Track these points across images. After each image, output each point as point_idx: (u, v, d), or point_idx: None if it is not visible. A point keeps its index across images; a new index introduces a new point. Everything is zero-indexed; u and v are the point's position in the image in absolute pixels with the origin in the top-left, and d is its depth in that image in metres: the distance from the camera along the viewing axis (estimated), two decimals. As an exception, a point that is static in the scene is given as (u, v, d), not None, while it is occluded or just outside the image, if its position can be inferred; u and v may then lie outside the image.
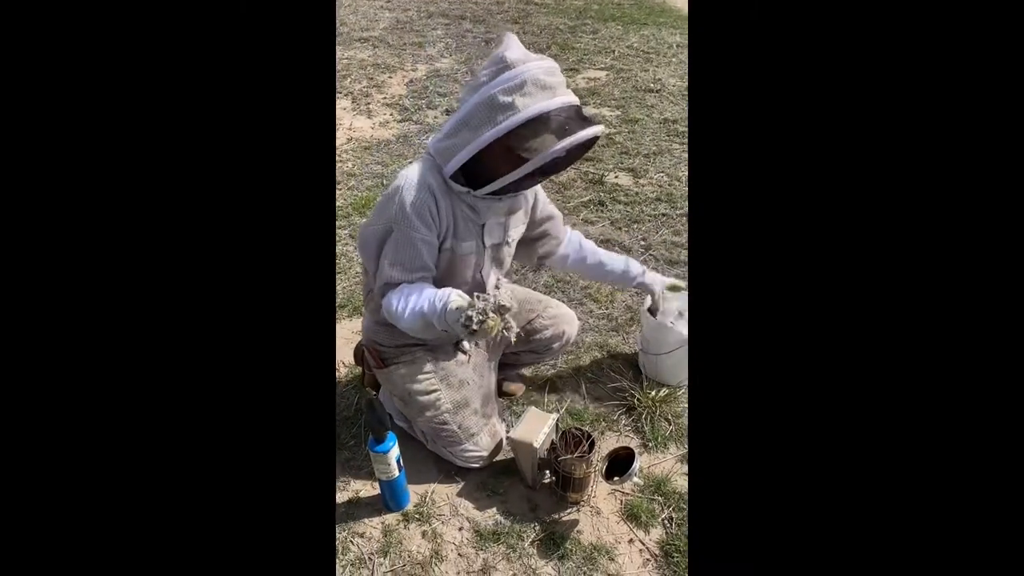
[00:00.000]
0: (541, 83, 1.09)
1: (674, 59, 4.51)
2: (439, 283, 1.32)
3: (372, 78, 4.12)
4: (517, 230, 1.42)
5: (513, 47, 1.13)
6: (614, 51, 4.69)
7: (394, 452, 1.29)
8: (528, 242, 1.51)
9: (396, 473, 1.31)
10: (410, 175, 1.23)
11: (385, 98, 3.86)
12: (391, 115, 3.63)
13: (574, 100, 1.13)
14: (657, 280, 1.61)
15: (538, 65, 1.11)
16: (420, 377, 1.41)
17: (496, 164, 1.14)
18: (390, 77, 4.20)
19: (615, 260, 1.61)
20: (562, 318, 1.58)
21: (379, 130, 3.43)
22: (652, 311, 1.64)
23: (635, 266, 1.60)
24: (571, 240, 1.59)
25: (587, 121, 1.13)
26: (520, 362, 1.63)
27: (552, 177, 2.96)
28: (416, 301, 1.20)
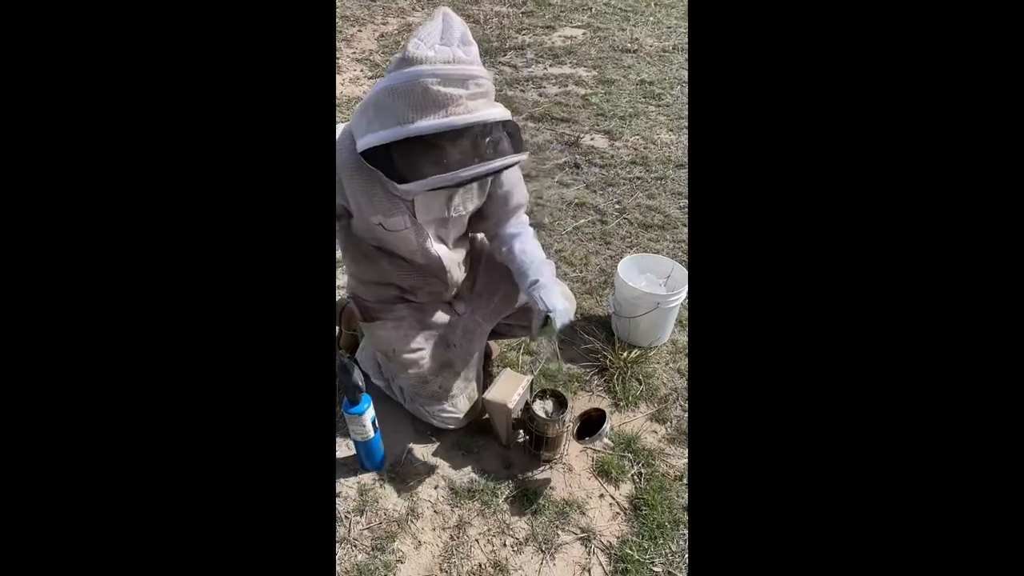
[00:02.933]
0: (451, 76, 0.96)
1: (651, 18, 4.44)
2: (383, 254, 1.29)
3: (341, 31, 3.96)
4: (468, 204, 1.27)
5: (426, 35, 0.98)
6: (591, 8, 4.58)
7: (369, 414, 1.29)
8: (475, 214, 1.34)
9: (371, 434, 1.33)
10: (338, 142, 1.14)
11: (355, 53, 3.72)
12: (361, 71, 3.51)
13: (470, 119, 0.98)
14: (543, 303, 1.26)
15: (442, 69, 0.96)
16: (406, 335, 1.40)
17: (409, 164, 1.01)
18: (359, 31, 4.05)
19: (525, 260, 1.33)
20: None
21: (349, 87, 3.32)
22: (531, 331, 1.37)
23: (536, 274, 1.30)
24: (511, 235, 1.37)
25: (489, 145, 1.00)
26: (511, 333, 1.63)
27: (528, 139, 2.91)
28: None
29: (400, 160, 1.00)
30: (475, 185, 1.25)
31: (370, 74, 3.46)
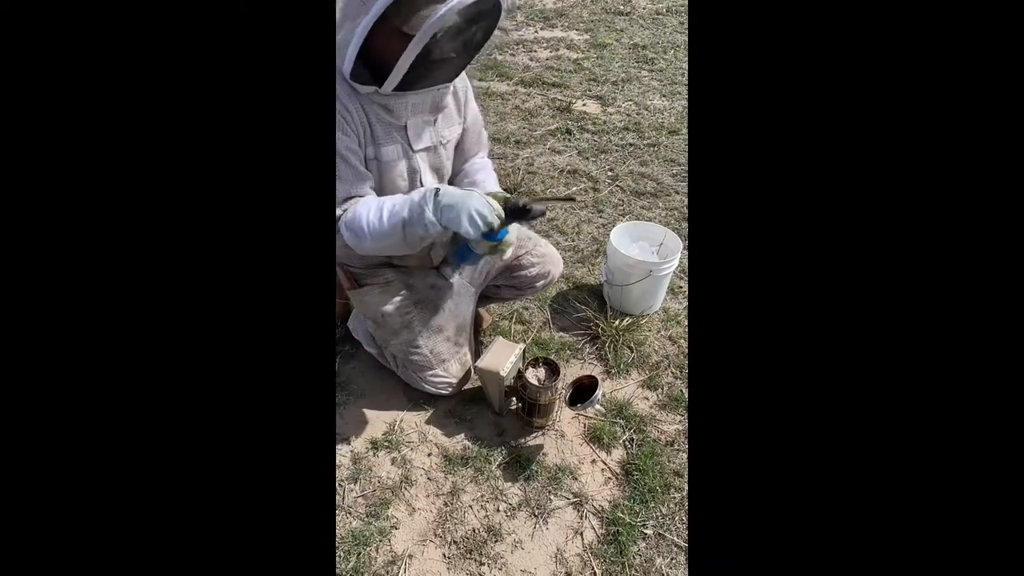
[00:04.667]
0: None
1: (645, -21, 4.32)
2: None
3: None
4: (451, 130, 1.31)
5: None
6: (583, -31, 4.45)
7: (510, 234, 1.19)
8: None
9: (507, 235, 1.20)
10: None
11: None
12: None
13: None
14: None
15: None
16: (395, 299, 1.39)
17: (388, 50, 1.03)
18: None
19: (470, 168, 1.41)
20: (549, 258, 1.54)
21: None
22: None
23: (475, 175, 1.39)
24: (473, 165, 1.43)
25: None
26: (499, 296, 1.62)
27: (518, 104, 2.85)
28: (391, 207, 1.10)
29: (391, 40, 1.01)
30: (452, 110, 1.29)
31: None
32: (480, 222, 1.06)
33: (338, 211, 1.16)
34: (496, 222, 1.07)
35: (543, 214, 1.12)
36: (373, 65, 1.08)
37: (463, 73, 1.26)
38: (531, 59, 3.23)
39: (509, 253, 1.21)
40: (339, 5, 1.02)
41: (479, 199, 1.07)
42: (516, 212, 1.11)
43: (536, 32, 3.50)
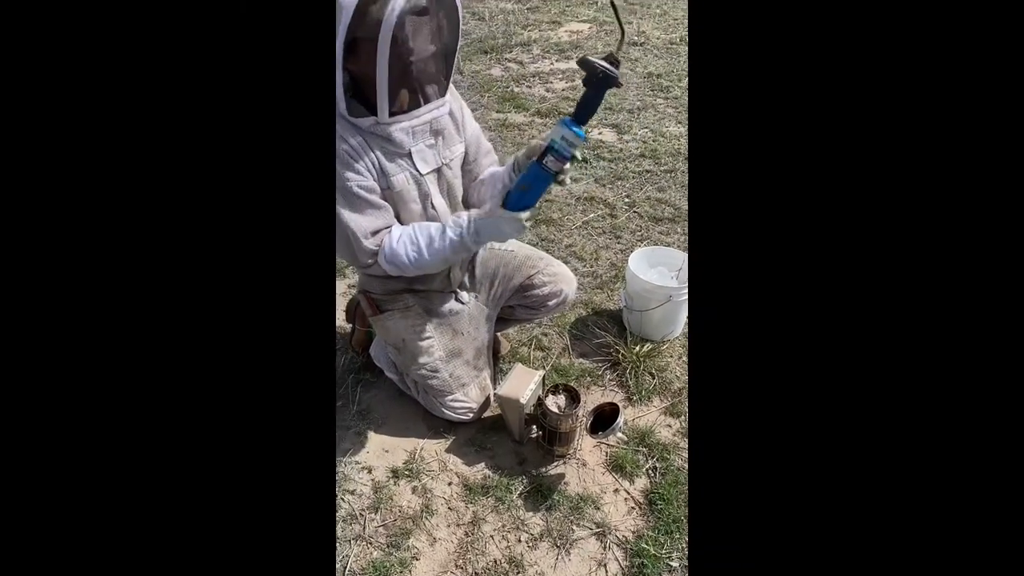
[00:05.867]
0: None
1: (658, 11, 4.40)
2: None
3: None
4: (454, 149, 1.33)
5: None
6: (597, 3, 4.56)
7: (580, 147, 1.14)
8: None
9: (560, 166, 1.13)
10: None
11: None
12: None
13: None
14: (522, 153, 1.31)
15: None
16: (414, 324, 1.41)
17: (368, 69, 1.08)
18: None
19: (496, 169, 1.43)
20: (561, 277, 1.54)
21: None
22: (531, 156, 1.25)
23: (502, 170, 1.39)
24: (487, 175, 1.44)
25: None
26: (514, 317, 1.62)
27: (535, 135, 2.90)
28: (427, 241, 1.21)
29: (366, 58, 1.06)
30: (452, 130, 1.31)
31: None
32: (519, 231, 1.16)
33: (371, 245, 1.23)
34: (571, 155, 1.10)
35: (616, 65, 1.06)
36: (362, 96, 1.14)
37: (457, 94, 1.31)
38: (547, 90, 3.29)
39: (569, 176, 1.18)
40: None
41: (509, 225, 1.15)
42: (614, 62, 1.05)
43: (552, 64, 3.58)
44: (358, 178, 1.18)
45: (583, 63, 1.06)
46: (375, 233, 1.23)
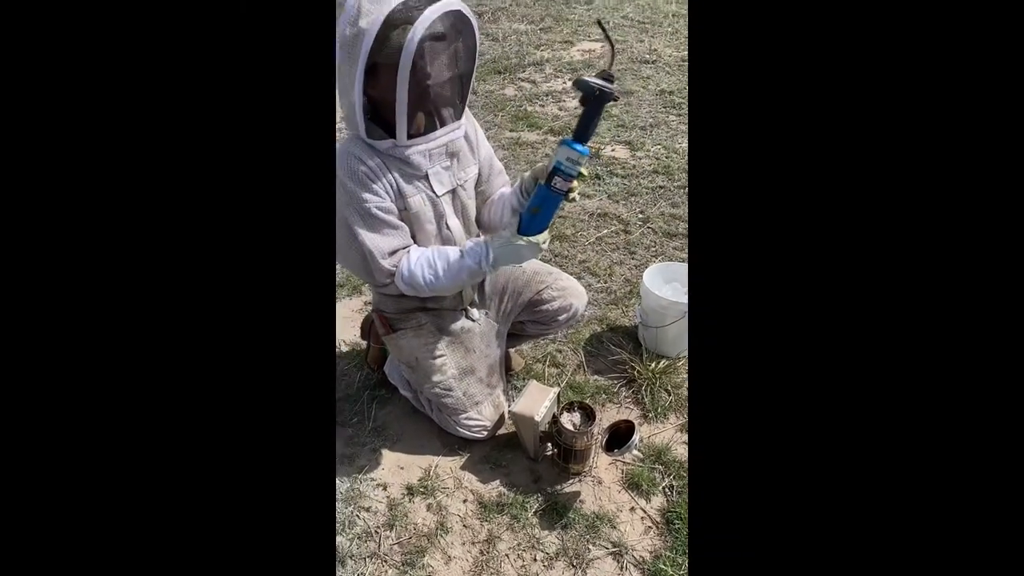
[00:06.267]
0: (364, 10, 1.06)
1: (669, 29, 4.44)
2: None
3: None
4: (469, 171, 1.36)
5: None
6: (609, 22, 4.61)
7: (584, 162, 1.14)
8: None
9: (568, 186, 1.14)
10: (338, 156, 1.21)
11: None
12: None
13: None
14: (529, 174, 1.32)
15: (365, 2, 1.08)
16: (427, 343, 1.42)
17: (386, 92, 1.11)
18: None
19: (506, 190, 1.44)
20: (571, 291, 1.54)
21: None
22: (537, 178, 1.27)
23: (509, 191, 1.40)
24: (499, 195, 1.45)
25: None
26: (525, 333, 1.62)
27: (548, 152, 2.93)
28: (444, 266, 1.24)
29: (386, 82, 1.10)
30: (466, 151, 1.34)
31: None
32: (537, 252, 1.19)
33: (388, 266, 1.25)
34: (577, 173, 1.12)
35: (613, 83, 1.08)
36: (381, 119, 1.18)
37: (471, 117, 1.34)
38: (560, 109, 3.32)
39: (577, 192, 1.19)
40: (337, 82, 1.14)
41: (528, 250, 1.20)
42: (608, 79, 1.08)
43: (564, 83, 3.61)
44: (376, 199, 1.20)
45: (578, 84, 1.09)
46: (393, 253, 1.25)
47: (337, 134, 2.32)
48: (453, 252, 1.25)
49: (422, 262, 1.25)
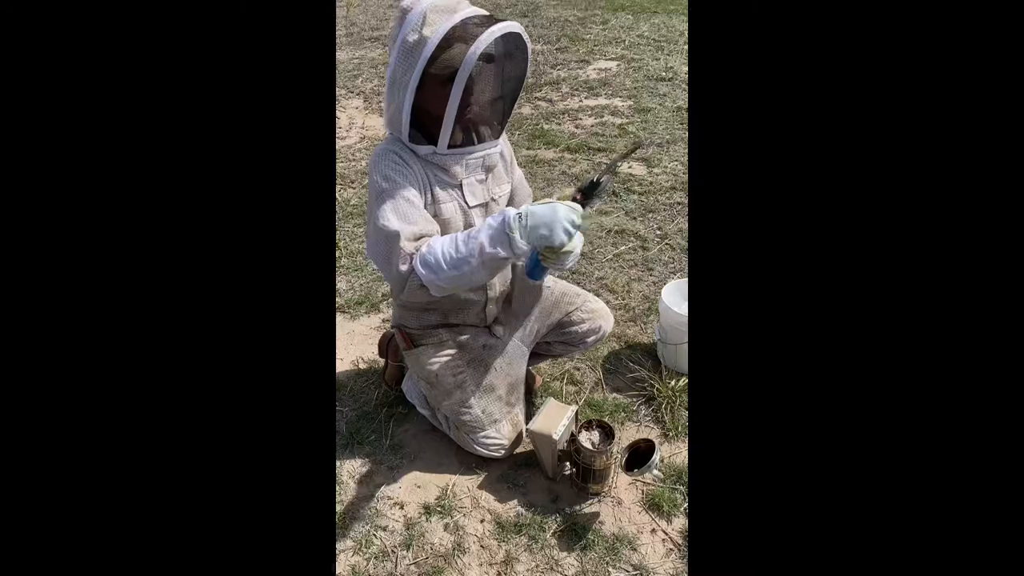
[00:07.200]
0: (440, 8, 1.10)
1: (685, 47, 4.46)
2: None
3: (383, 77, 4.14)
4: (502, 188, 1.38)
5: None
6: (624, 41, 4.64)
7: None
8: None
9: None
10: (375, 156, 1.24)
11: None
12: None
13: (480, 11, 1.13)
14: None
15: (431, 4, 1.11)
16: (447, 359, 1.41)
17: (436, 104, 1.13)
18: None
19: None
20: (599, 313, 1.55)
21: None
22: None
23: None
24: None
25: (500, 21, 1.12)
26: (551, 352, 1.62)
27: (565, 170, 2.93)
28: (464, 237, 1.13)
29: (437, 92, 1.11)
30: (501, 168, 1.36)
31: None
32: (572, 228, 1.10)
33: (411, 248, 1.17)
34: (579, 220, 1.11)
35: (613, 177, 1.12)
36: (425, 127, 1.20)
37: (506, 139, 1.36)
38: (576, 126, 3.34)
39: (579, 249, 1.19)
40: (388, 72, 1.18)
41: (564, 209, 1.10)
42: (590, 193, 1.14)
43: (581, 101, 3.64)
44: (412, 192, 1.21)
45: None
46: (418, 238, 1.19)
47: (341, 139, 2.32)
48: (474, 227, 1.19)
49: (444, 240, 1.16)
